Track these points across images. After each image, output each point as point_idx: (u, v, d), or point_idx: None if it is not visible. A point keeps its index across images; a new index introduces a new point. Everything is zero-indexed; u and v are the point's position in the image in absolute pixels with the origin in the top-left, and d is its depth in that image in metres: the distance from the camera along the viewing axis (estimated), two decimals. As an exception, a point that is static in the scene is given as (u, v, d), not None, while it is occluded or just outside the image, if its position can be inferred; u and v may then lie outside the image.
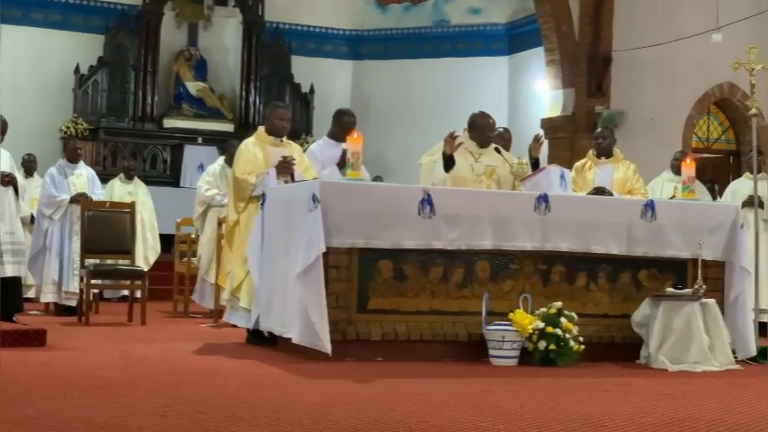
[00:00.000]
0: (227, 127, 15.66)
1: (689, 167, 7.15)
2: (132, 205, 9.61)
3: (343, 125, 7.57)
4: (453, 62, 16.20)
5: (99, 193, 10.20)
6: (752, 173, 8.19)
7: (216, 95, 15.98)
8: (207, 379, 5.11)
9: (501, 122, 10.97)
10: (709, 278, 6.66)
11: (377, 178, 12.10)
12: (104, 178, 11.52)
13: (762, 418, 4.27)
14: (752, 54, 7.54)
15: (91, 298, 9.15)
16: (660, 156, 10.87)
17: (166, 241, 11.78)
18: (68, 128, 14.64)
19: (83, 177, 10.10)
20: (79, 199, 9.63)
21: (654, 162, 10.85)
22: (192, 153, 15.33)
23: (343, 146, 6.92)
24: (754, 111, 7.50)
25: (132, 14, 15.42)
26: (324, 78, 16.32)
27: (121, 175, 12.05)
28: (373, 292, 6.18)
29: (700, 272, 6.48)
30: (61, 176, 9.98)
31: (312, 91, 16.10)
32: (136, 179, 12.03)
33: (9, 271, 7.63)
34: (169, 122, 15.53)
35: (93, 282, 8.92)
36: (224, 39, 16.32)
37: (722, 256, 6.86)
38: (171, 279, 10.71)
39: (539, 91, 14.54)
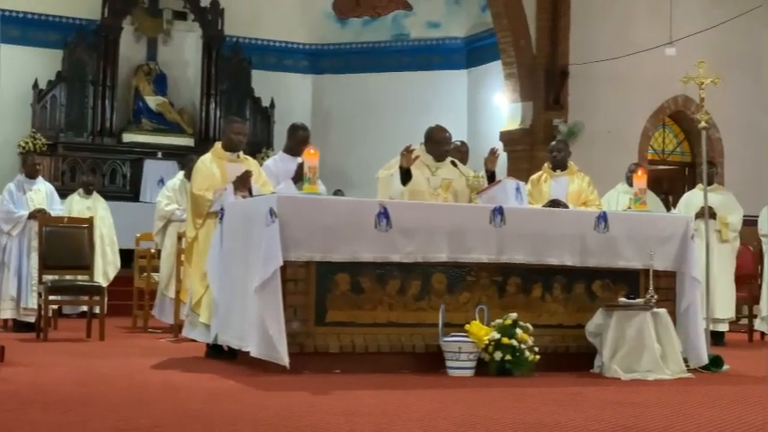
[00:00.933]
0: (187, 141, 15.64)
1: (640, 179, 7.28)
2: (91, 220, 9.59)
3: (297, 139, 7.67)
4: (413, 76, 16.30)
5: (58, 208, 10.18)
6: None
7: (176, 110, 15.96)
8: (165, 393, 5.13)
9: (460, 135, 11.11)
10: (661, 288, 6.78)
11: (338, 192, 12.17)
12: (63, 193, 11.47)
13: (709, 424, 4.37)
14: (701, 68, 7.70)
15: (50, 314, 9.12)
16: (617, 168, 11.01)
17: (126, 256, 11.75)
18: (27, 143, 14.56)
19: (41, 193, 10.09)
20: (37, 215, 9.61)
21: (611, 174, 10.99)
22: (151, 168, 15.29)
23: (299, 160, 6.98)
24: (704, 123, 7.65)
25: (91, 29, 15.37)
26: (284, 92, 16.35)
27: (80, 190, 12.00)
28: (331, 304, 6.23)
29: (651, 282, 6.60)
30: (20, 192, 9.97)
31: (272, 105, 16.12)
32: (95, 194, 11.99)
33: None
34: (128, 137, 15.49)
35: (51, 298, 8.90)
36: (183, 53, 16.30)
37: (673, 266, 6.98)
38: (130, 294, 10.68)
39: (497, 104, 14.66)
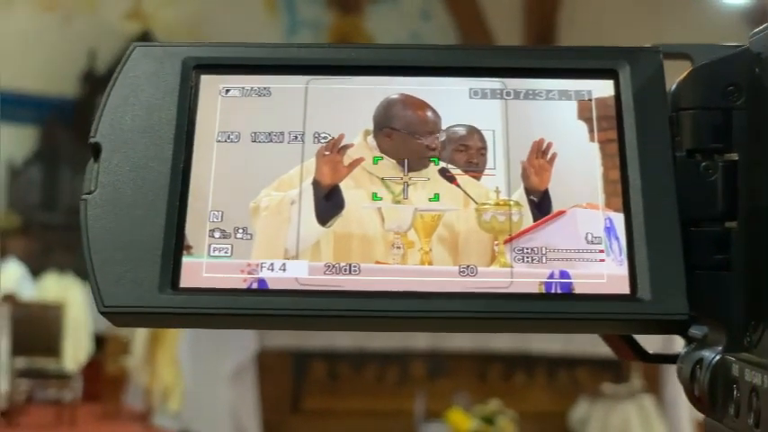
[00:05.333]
0: (165, 220, 15.50)
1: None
2: (63, 303, 9.41)
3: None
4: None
5: (29, 290, 9.99)
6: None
7: (152, 188, 15.84)
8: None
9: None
10: (647, 375, 6.64)
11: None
12: (36, 274, 11.29)
13: None
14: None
15: (24, 398, 8.93)
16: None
17: (99, 340, 11.53)
18: (0, 223, 14.41)
19: (12, 274, 9.90)
20: (7, 298, 9.42)
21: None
22: (127, 247, 15.12)
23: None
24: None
25: (68, 107, 15.31)
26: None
27: (54, 270, 11.81)
28: (306, 392, 6.09)
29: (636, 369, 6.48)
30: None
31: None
32: (69, 275, 11.78)
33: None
34: (104, 215, 15.33)
35: (20, 383, 8.69)
36: (161, 131, 16.25)
37: (660, 348, 6.83)
38: (102, 379, 10.46)
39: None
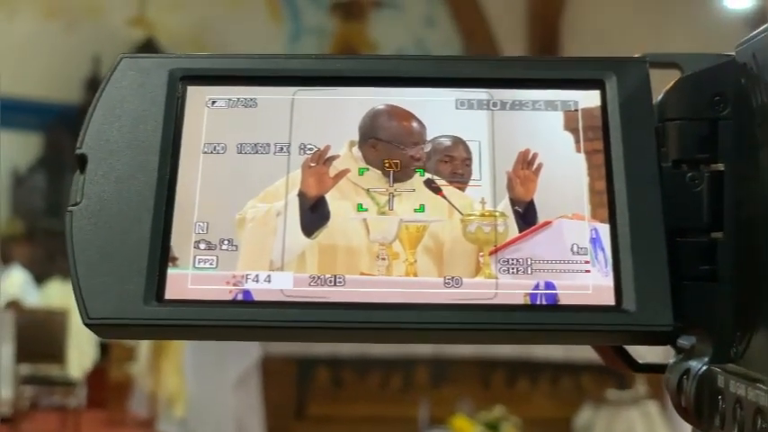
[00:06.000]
0: (169, 226, 15.51)
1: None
2: (67, 310, 9.41)
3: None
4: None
5: (33, 296, 10.00)
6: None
7: (157, 194, 15.86)
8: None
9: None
10: (651, 382, 6.62)
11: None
12: (40, 280, 11.31)
13: None
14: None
15: (28, 405, 8.93)
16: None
17: (104, 347, 11.54)
18: (4, 229, 14.43)
19: (16, 281, 9.91)
20: (12, 304, 9.42)
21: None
22: (132, 253, 15.13)
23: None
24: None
25: (71, 113, 15.33)
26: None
27: (59, 277, 11.82)
28: (310, 399, 6.08)
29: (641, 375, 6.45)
30: (-7, 280, 9.81)
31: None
32: (73, 281, 11.80)
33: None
34: (109, 222, 15.35)
35: (25, 389, 8.69)
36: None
37: (664, 358, 6.81)
38: (107, 385, 10.46)
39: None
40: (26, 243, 14.41)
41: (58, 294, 11.36)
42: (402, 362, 6.22)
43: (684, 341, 0.71)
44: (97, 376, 10.98)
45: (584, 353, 6.61)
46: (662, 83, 0.74)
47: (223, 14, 13.91)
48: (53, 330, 9.10)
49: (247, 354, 5.80)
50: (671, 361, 0.74)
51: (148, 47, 13.19)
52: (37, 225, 14.78)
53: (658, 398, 6.63)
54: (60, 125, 15.16)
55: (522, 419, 6.27)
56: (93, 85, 15.10)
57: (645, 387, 6.35)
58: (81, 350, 11.24)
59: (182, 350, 6.95)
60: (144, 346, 9.70)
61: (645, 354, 0.92)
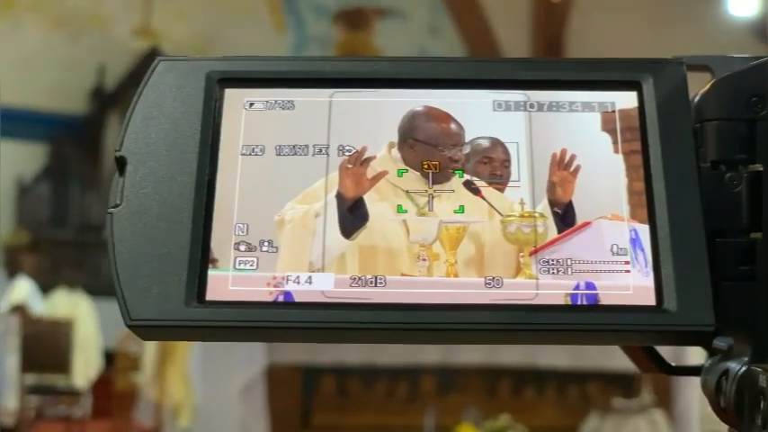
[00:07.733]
0: (174, 236, 15.49)
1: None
2: (73, 320, 9.41)
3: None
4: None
5: (39, 306, 10.00)
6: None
7: (162, 204, 15.85)
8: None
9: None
10: (658, 390, 6.60)
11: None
12: (46, 290, 11.29)
13: None
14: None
15: (33, 415, 8.91)
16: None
17: (109, 356, 11.53)
18: (9, 239, 14.42)
19: (22, 291, 9.91)
20: (17, 313, 9.42)
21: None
22: (136, 263, 15.11)
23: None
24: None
25: (77, 124, 15.35)
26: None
27: (63, 287, 11.81)
28: (316, 408, 6.06)
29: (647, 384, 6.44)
30: (-1, 290, 9.81)
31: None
32: (78, 291, 11.79)
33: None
34: (114, 232, 15.33)
35: (30, 399, 8.68)
36: (170, 147, 16.26)
37: (668, 360, 6.81)
38: (112, 395, 10.44)
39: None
40: (31, 253, 14.39)
41: (64, 304, 11.35)
42: (408, 370, 6.20)
43: (720, 342, 0.71)
44: (102, 386, 10.97)
45: (591, 361, 6.60)
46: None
47: (227, 24, 13.94)
48: (58, 340, 9.10)
49: (253, 362, 5.78)
50: (706, 363, 0.74)
51: (153, 57, 13.20)
52: (42, 235, 14.76)
53: (664, 406, 6.61)
54: (65, 135, 15.16)
55: (528, 428, 6.25)
56: (99, 95, 15.12)
57: (651, 395, 6.34)
58: (86, 360, 11.23)
59: (187, 359, 6.94)
60: (149, 356, 9.68)
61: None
